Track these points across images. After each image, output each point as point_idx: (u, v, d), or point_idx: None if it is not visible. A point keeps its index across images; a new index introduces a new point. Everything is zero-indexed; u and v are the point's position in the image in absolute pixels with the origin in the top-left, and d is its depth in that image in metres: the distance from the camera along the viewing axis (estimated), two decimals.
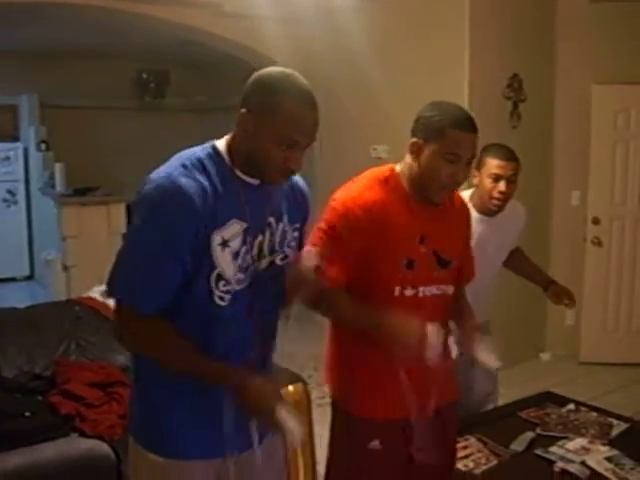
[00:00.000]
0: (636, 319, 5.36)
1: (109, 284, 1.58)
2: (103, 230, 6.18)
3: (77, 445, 2.73)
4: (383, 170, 2.05)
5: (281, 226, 1.72)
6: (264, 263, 1.69)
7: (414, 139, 1.97)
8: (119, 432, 2.72)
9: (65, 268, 6.16)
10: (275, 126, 1.53)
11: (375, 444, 2.00)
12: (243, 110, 1.57)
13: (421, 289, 2.00)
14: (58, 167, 6.68)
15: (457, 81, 4.82)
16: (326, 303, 1.96)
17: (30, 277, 8.31)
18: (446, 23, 4.92)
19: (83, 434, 2.76)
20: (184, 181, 1.51)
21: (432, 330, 1.83)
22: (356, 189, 1.99)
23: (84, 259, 5.98)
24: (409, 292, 1.99)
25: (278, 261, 1.72)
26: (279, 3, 5.19)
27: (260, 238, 1.66)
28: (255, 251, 1.65)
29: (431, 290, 2.02)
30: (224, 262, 1.57)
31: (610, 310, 5.39)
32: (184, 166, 1.55)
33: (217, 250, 1.56)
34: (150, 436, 1.66)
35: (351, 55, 5.34)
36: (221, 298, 1.60)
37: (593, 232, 5.32)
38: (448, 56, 4.91)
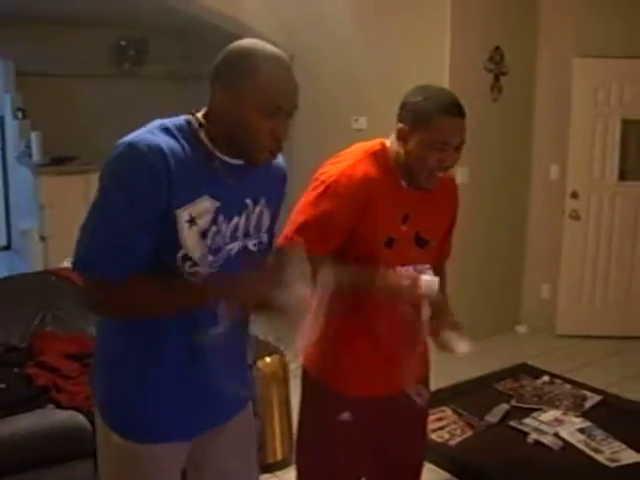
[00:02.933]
0: (612, 292, 5.43)
1: (73, 260, 1.50)
2: (81, 200, 6.08)
3: (53, 416, 2.72)
4: (373, 144, 2.00)
5: (258, 209, 1.66)
6: (235, 247, 1.62)
7: (401, 125, 1.92)
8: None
9: (42, 238, 6.10)
10: (255, 94, 1.48)
11: (346, 416, 1.99)
12: (217, 86, 1.52)
13: (399, 269, 1.97)
14: (35, 136, 6.57)
15: (438, 53, 4.80)
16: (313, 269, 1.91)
17: (7, 247, 8.23)
18: None
19: (59, 406, 2.75)
20: (149, 144, 1.44)
21: (426, 280, 1.85)
22: (346, 162, 1.94)
23: (61, 229, 5.90)
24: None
25: (251, 246, 1.66)
26: None
27: (235, 220, 1.60)
28: (228, 233, 1.59)
29: (407, 270, 1.98)
30: (190, 241, 1.51)
31: (586, 283, 5.45)
32: (152, 132, 1.48)
33: (184, 228, 1.49)
34: (115, 417, 1.62)
35: (332, 27, 5.30)
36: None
37: (571, 206, 5.35)
38: (429, 28, 4.88)
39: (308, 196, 1.94)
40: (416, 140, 1.88)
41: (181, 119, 1.56)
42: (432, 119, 1.85)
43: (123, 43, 7.79)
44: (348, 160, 1.95)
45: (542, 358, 4.33)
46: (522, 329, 5.55)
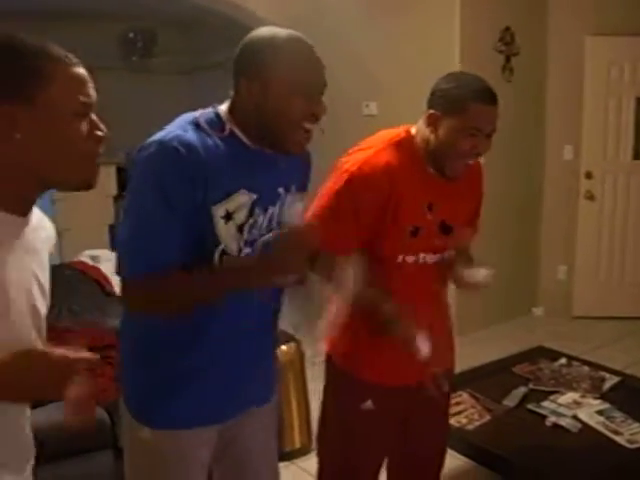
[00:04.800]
0: (628, 273, 5.38)
1: (116, 263, 1.50)
2: (94, 193, 6.07)
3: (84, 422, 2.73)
4: (397, 132, 1.97)
5: (289, 197, 1.66)
6: (270, 237, 1.60)
7: (431, 111, 1.89)
8: (113, 395, 2.72)
9: (56, 232, 6.14)
10: (283, 77, 1.47)
11: (369, 404, 1.99)
12: (243, 79, 1.50)
13: (422, 255, 1.95)
14: None
15: (448, 35, 4.75)
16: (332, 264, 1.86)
17: None
18: None
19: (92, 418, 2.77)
20: (182, 142, 1.42)
21: (422, 339, 1.82)
22: (369, 151, 1.92)
23: (75, 222, 5.95)
24: (410, 259, 1.94)
25: None
26: None
27: (270, 210, 1.59)
28: (265, 224, 1.58)
29: (432, 257, 1.97)
30: (228, 236, 1.51)
31: (602, 264, 5.41)
32: (183, 129, 1.47)
33: (220, 223, 1.49)
34: (141, 408, 1.63)
35: (339, 12, 5.25)
36: None
37: (586, 186, 5.30)
38: (439, 10, 4.83)
39: (331, 185, 1.92)
40: (448, 126, 1.86)
41: (211, 113, 1.55)
42: (466, 105, 1.83)
43: (131, 35, 7.78)
44: (371, 149, 1.92)
45: (559, 340, 4.31)
46: (538, 311, 5.52)
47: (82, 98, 1.19)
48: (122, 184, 6.04)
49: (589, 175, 5.28)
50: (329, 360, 2.10)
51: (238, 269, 1.53)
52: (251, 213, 1.54)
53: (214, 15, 5.85)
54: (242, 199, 1.52)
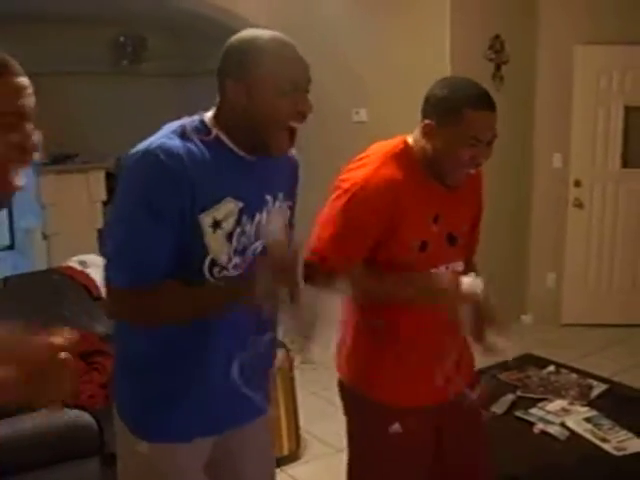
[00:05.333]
0: (617, 281, 5.40)
1: (104, 273, 1.49)
2: (83, 198, 6.12)
3: (58, 416, 2.72)
4: (395, 144, 1.88)
5: (277, 204, 1.65)
6: (260, 245, 1.60)
7: (427, 121, 1.80)
8: (100, 402, 2.72)
9: (45, 237, 6.11)
10: (268, 76, 1.47)
11: (396, 428, 1.89)
12: (228, 81, 1.50)
13: (433, 271, 1.88)
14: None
15: (438, 43, 4.76)
16: (347, 286, 1.82)
17: (11, 247, 8.23)
18: None
19: (65, 404, 2.75)
20: (167, 151, 1.42)
21: (469, 281, 1.79)
22: (369, 166, 1.82)
23: (64, 227, 5.92)
24: None
25: None
26: None
27: (257, 218, 1.58)
28: (253, 232, 1.57)
29: (441, 270, 1.90)
30: (216, 245, 1.49)
31: (591, 272, 5.42)
32: (168, 137, 1.46)
33: (208, 232, 1.48)
34: (138, 422, 1.61)
35: (330, 19, 5.26)
36: None
37: (575, 194, 5.32)
38: (429, 17, 4.84)
39: (332, 206, 1.83)
40: (444, 136, 1.77)
41: (195, 120, 1.54)
42: (461, 113, 1.73)
43: (121, 39, 7.77)
44: (370, 164, 1.83)
45: (547, 348, 4.31)
46: (527, 319, 5.53)
47: (9, 109, 1.17)
48: (111, 189, 6.01)
49: (578, 183, 5.30)
50: (342, 387, 2.01)
51: (225, 289, 1.52)
52: (239, 221, 1.53)
53: (204, 20, 5.85)
54: (229, 207, 1.51)
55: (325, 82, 5.41)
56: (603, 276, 5.42)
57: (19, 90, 1.19)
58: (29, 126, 1.21)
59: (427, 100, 1.83)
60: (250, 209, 1.56)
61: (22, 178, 1.24)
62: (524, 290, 5.64)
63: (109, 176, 6.18)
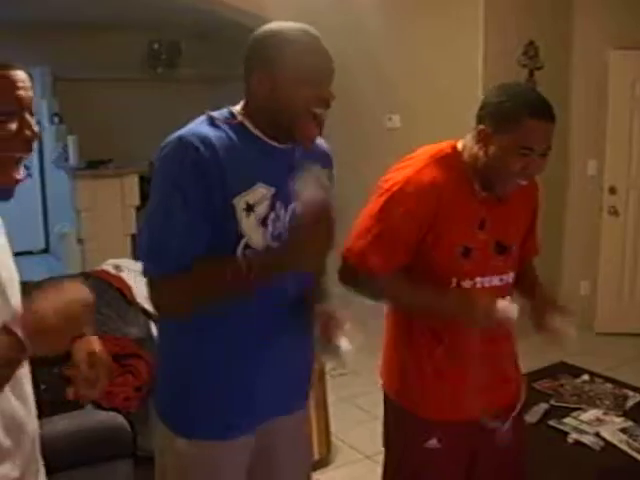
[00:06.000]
0: None
1: (142, 264, 1.52)
2: (117, 203, 6.19)
3: (93, 417, 2.75)
4: (443, 147, 1.85)
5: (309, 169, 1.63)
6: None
7: (481, 126, 1.76)
8: (134, 404, 2.74)
9: (79, 241, 6.19)
10: (292, 67, 1.50)
11: (433, 443, 1.86)
12: (253, 72, 1.54)
13: (478, 280, 1.83)
14: (71, 140, 6.66)
15: (471, 49, 4.75)
16: (380, 291, 1.83)
17: (46, 250, 8.36)
18: None
19: (99, 406, 2.79)
20: (198, 137, 1.47)
21: (504, 306, 1.73)
22: (413, 168, 1.79)
23: (98, 232, 6.00)
24: (466, 284, 1.82)
25: None
26: None
27: (293, 205, 1.59)
28: (287, 219, 1.59)
29: (490, 281, 1.85)
30: (251, 229, 1.52)
31: (626, 280, 5.35)
32: (199, 126, 1.52)
33: (242, 216, 1.50)
34: (177, 419, 1.63)
35: (360, 22, 5.25)
36: None
37: (609, 202, 5.26)
38: (462, 23, 4.84)
39: (372, 206, 1.82)
40: (499, 143, 1.73)
41: (224, 110, 1.59)
42: (519, 121, 1.69)
43: (156, 46, 7.87)
44: (414, 165, 1.80)
45: (581, 356, 4.25)
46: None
47: (5, 99, 1.24)
48: (145, 194, 6.08)
49: (613, 190, 5.24)
50: (386, 398, 1.99)
51: (261, 257, 1.51)
52: (272, 206, 1.56)
53: (234, 26, 5.89)
54: (261, 192, 1.54)
55: (358, 88, 5.41)
56: (638, 284, 5.35)
57: (13, 82, 1.26)
58: (28, 116, 1.27)
59: (484, 105, 1.80)
60: (284, 195, 1.57)
61: (22, 171, 1.29)
62: (557, 297, 5.56)
63: (143, 180, 6.25)
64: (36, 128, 1.29)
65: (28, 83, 1.30)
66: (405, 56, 5.11)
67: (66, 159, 6.83)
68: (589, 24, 5.16)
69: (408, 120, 5.13)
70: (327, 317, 1.60)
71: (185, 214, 1.46)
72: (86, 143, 6.72)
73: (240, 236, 1.51)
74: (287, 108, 1.52)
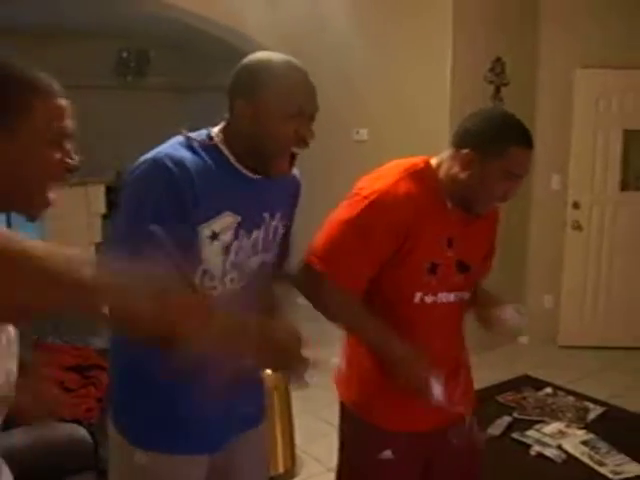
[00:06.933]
0: (614, 303, 5.40)
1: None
2: (82, 211, 6.12)
3: (55, 429, 2.71)
4: (416, 162, 1.86)
5: (274, 223, 1.67)
6: (256, 261, 1.62)
7: (465, 151, 1.78)
8: (96, 415, 2.71)
9: None
10: (275, 100, 1.49)
11: (387, 454, 1.87)
12: (237, 100, 1.52)
13: (440, 295, 1.86)
14: None
15: (439, 64, 4.81)
16: (339, 307, 1.81)
17: None
18: (429, 5, 4.88)
19: (61, 418, 2.74)
20: (173, 160, 1.43)
21: (435, 381, 1.74)
22: (387, 180, 1.79)
23: (63, 241, 5.87)
24: (429, 299, 1.85)
25: (267, 259, 1.67)
26: None
27: (255, 234, 1.60)
28: (249, 247, 1.59)
29: (449, 297, 1.88)
30: (212, 256, 1.51)
31: (589, 294, 5.43)
32: (174, 148, 1.48)
33: (206, 243, 1.49)
34: (136, 431, 1.61)
35: (333, 39, 5.30)
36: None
37: (573, 216, 5.34)
38: (430, 39, 4.89)
39: (345, 212, 1.80)
40: (486, 168, 1.76)
41: (203, 134, 1.56)
42: (508, 149, 1.74)
43: (124, 54, 7.81)
44: (389, 177, 1.81)
45: (544, 369, 4.31)
46: (524, 340, 5.53)
47: (56, 126, 1.25)
48: (112, 203, 6.03)
49: (576, 205, 5.32)
50: (342, 406, 1.99)
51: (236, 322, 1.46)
52: (236, 235, 1.55)
53: (208, 37, 5.89)
54: (227, 220, 1.53)
55: (327, 100, 5.41)
56: (600, 298, 5.43)
57: (63, 111, 1.27)
58: (69, 146, 1.28)
59: (467, 130, 1.82)
60: (247, 224, 1.57)
61: (54, 193, 1.29)
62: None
63: (110, 190, 6.20)
64: (76, 158, 1.29)
65: (70, 111, 1.30)
66: (374, 70, 5.15)
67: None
68: (556, 42, 5.26)
69: (375, 133, 5.17)
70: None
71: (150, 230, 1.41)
72: None
73: (199, 261, 1.50)
74: (265, 143, 1.51)
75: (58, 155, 1.25)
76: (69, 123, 1.29)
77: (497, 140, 1.76)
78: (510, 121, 1.83)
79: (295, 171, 1.72)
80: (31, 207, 1.29)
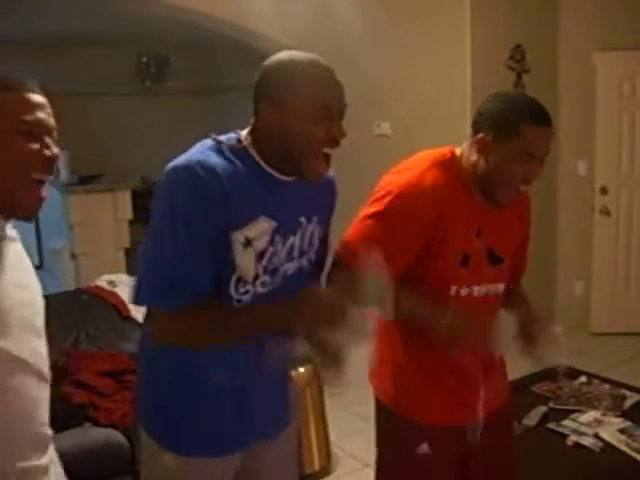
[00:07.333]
0: None
1: (136, 294, 1.47)
2: (109, 217, 6.17)
3: (91, 434, 2.74)
4: (442, 152, 1.84)
5: (310, 227, 1.63)
6: (292, 267, 1.59)
7: (481, 135, 1.75)
8: (132, 420, 2.73)
9: (73, 256, 6.17)
10: (302, 101, 1.45)
11: (424, 448, 1.86)
12: (263, 104, 1.49)
13: (475, 288, 1.83)
14: (62, 155, 6.65)
15: (459, 54, 4.77)
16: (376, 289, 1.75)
17: (39, 266, 8.32)
18: None
19: (97, 423, 2.78)
20: (204, 167, 1.40)
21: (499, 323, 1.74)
22: (414, 171, 1.77)
23: (92, 247, 5.98)
24: (464, 292, 1.82)
25: (305, 264, 1.63)
26: None
27: (291, 240, 1.57)
28: (284, 253, 1.56)
29: (483, 289, 1.85)
30: (246, 263, 1.48)
31: (620, 280, 5.36)
32: (204, 154, 1.44)
33: (239, 250, 1.46)
34: (165, 433, 1.61)
35: (348, 32, 5.26)
36: (239, 301, 1.51)
37: (601, 202, 5.28)
38: (449, 28, 4.86)
39: (372, 207, 1.78)
40: (500, 151, 1.73)
41: (232, 137, 1.53)
42: (520, 128, 1.70)
43: (144, 60, 7.87)
44: (415, 169, 1.79)
45: (578, 358, 4.25)
46: (558, 330, 5.46)
47: (28, 118, 1.29)
48: (137, 208, 6.07)
49: (604, 190, 5.26)
50: (377, 402, 1.97)
51: (273, 310, 1.51)
52: (271, 241, 1.52)
53: (222, 38, 5.90)
54: (263, 226, 1.50)
55: (347, 95, 5.42)
56: (632, 283, 5.36)
57: (36, 105, 1.32)
58: (48, 139, 1.33)
59: (481, 114, 1.79)
60: (284, 230, 1.54)
61: (46, 189, 1.36)
62: (553, 299, 5.58)
63: (135, 195, 6.25)
64: (55, 150, 1.33)
65: (47, 107, 1.34)
66: (392, 62, 5.12)
67: (57, 175, 6.82)
68: (575, 26, 5.20)
69: (398, 127, 5.14)
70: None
71: (194, 247, 1.41)
72: (77, 158, 6.71)
73: (233, 269, 1.48)
74: (295, 146, 1.47)
75: (35, 146, 1.29)
76: (45, 118, 1.33)
77: (508, 120, 1.72)
78: (521, 99, 1.80)
79: (331, 172, 1.67)
80: (18, 204, 1.34)
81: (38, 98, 1.33)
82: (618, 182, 5.25)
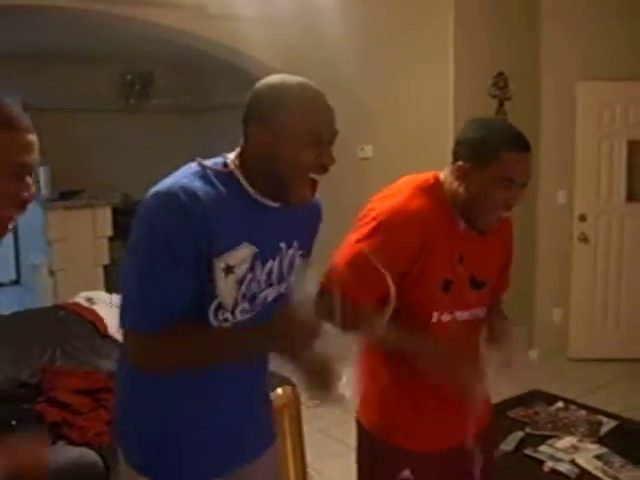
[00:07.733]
0: (624, 315, 5.38)
1: (120, 316, 1.46)
2: (89, 234, 6.13)
3: (65, 453, 2.69)
4: (426, 178, 1.85)
5: (290, 252, 1.62)
6: (271, 294, 1.59)
7: (460, 163, 1.76)
8: (107, 439, 2.69)
9: (51, 273, 6.11)
10: (293, 126, 1.43)
11: (406, 474, 1.85)
12: (253, 126, 1.47)
13: (458, 314, 1.85)
14: (43, 171, 6.59)
15: (442, 80, 4.82)
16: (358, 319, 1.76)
17: (17, 282, 8.24)
18: (430, 21, 4.91)
19: (71, 442, 2.73)
20: (187, 193, 1.39)
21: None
22: (398, 197, 1.78)
23: (70, 263, 5.94)
24: (446, 317, 1.83)
25: (284, 290, 1.62)
26: (261, 4, 5.16)
27: (269, 264, 1.55)
28: (263, 278, 1.55)
29: (466, 314, 1.86)
30: (226, 290, 1.47)
31: (598, 306, 5.40)
32: (188, 179, 1.43)
33: (220, 277, 1.45)
34: (144, 460, 1.58)
35: (334, 55, 5.32)
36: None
37: (580, 229, 5.33)
38: (432, 54, 4.91)
39: (356, 234, 1.79)
40: (479, 178, 1.73)
41: (218, 162, 1.52)
42: (498, 155, 1.70)
43: (129, 77, 7.88)
44: (399, 195, 1.80)
45: (555, 383, 4.29)
46: (534, 354, 5.50)
47: (19, 161, 1.27)
48: (118, 225, 6.04)
49: (583, 218, 5.31)
50: (359, 426, 1.96)
51: (250, 333, 1.52)
52: (252, 267, 1.51)
53: (209, 57, 5.93)
54: (244, 252, 1.48)
55: None
56: (609, 310, 5.40)
57: (25, 147, 1.29)
58: (28, 179, 1.30)
59: (460, 142, 1.80)
60: (264, 255, 1.53)
61: (11, 225, 1.35)
62: (531, 325, 5.61)
63: (116, 212, 6.22)
64: (33, 190, 1.31)
65: (35, 147, 1.31)
66: (377, 86, 5.17)
67: (38, 190, 6.77)
68: (557, 56, 5.27)
69: (380, 150, 5.18)
70: (320, 368, 1.56)
71: (175, 272, 1.40)
72: (59, 174, 6.68)
73: (214, 296, 1.47)
74: (284, 170, 1.46)
75: (15, 189, 1.28)
76: (32, 158, 1.30)
77: (487, 147, 1.72)
78: (499, 125, 1.82)
79: (317, 197, 1.66)
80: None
81: (29, 139, 1.30)
82: (597, 210, 5.31)
